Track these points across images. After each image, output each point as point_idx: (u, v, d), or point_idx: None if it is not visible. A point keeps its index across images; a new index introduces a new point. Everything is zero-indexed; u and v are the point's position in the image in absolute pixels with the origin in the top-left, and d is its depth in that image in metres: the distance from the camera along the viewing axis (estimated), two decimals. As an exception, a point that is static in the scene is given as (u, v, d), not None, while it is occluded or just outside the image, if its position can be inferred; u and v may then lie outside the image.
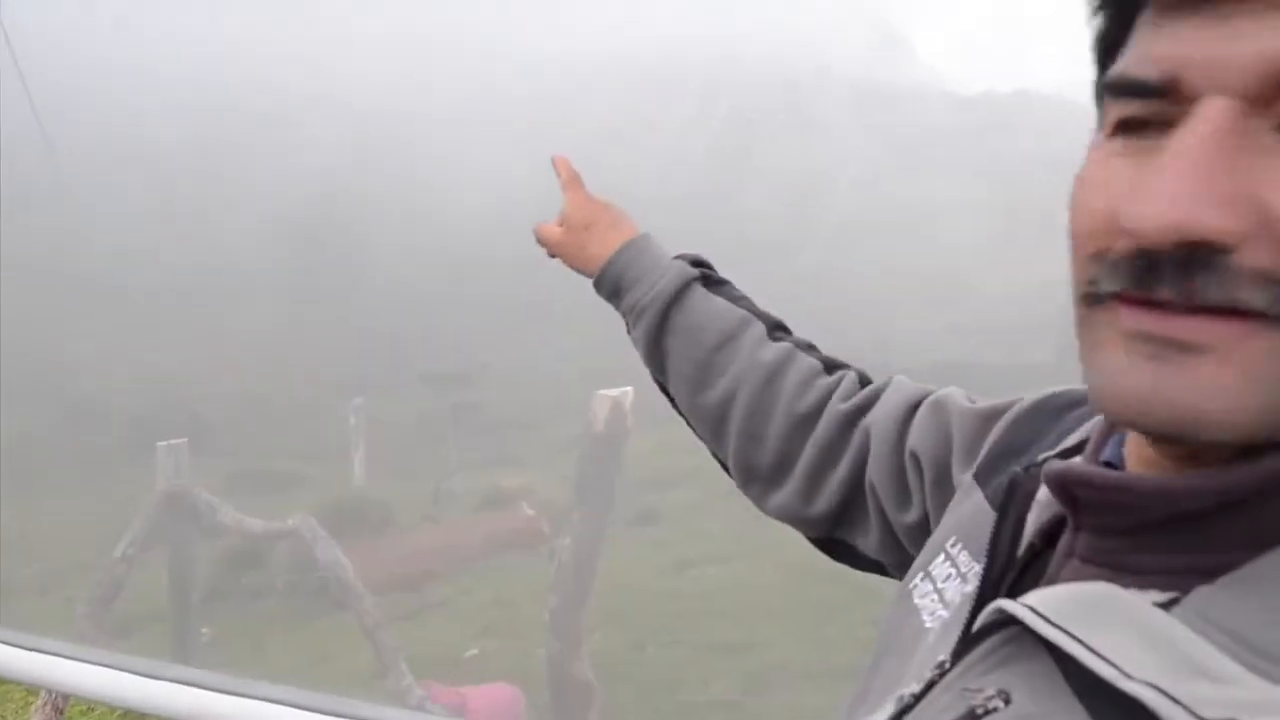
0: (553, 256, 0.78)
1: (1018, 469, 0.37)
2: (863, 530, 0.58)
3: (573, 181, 0.79)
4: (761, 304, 0.71)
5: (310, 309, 4.16)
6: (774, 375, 0.66)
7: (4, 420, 2.92)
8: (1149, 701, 0.27)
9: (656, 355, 0.72)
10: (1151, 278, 0.28)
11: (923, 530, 0.55)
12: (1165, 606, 0.30)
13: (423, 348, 4.39)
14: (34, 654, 1.67)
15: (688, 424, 0.74)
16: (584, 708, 2.11)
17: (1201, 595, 0.30)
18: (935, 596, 0.44)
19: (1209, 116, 0.29)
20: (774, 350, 0.67)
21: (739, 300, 0.71)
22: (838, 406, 0.63)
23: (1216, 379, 0.29)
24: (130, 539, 2.39)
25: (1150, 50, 0.30)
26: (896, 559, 0.59)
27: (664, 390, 0.73)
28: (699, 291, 0.71)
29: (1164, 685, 0.28)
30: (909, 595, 0.45)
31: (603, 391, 2.03)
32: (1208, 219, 0.28)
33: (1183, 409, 0.29)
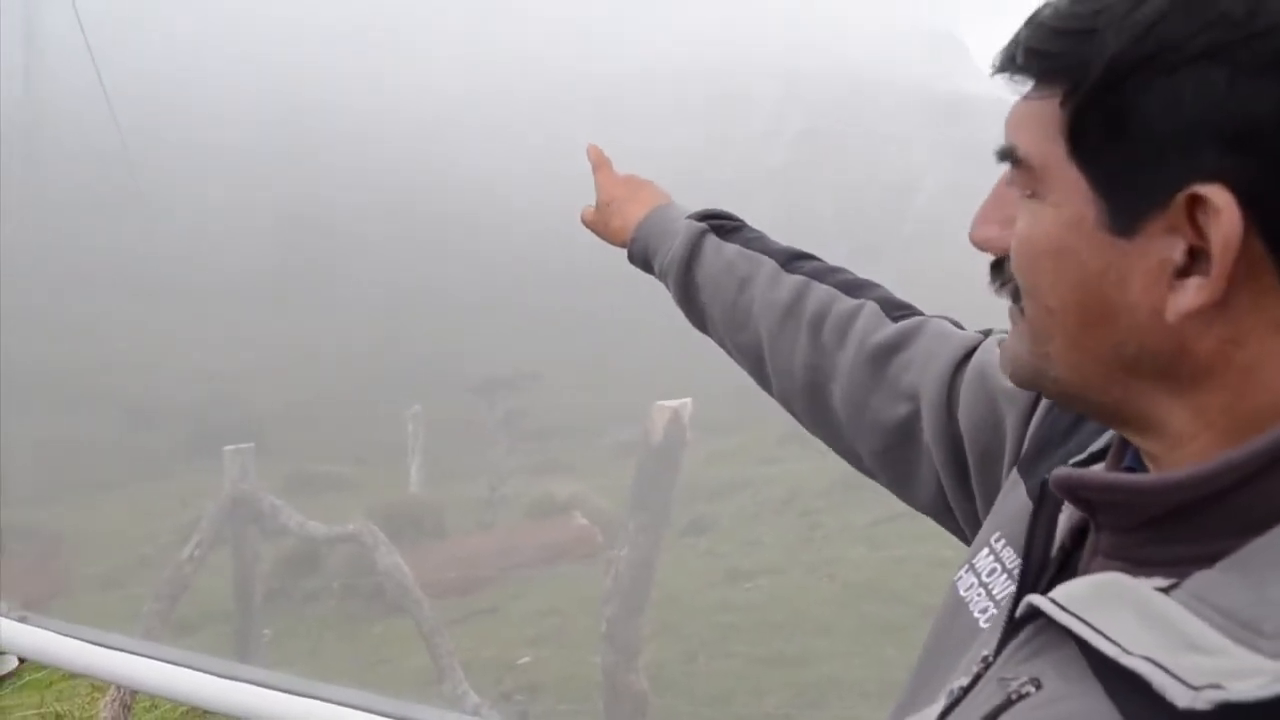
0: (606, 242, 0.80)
1: (1047, 476, 0.40)
2: (912, 483, 0.59)
3: (601, 163, 0.82)
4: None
5: (366, 316, 4.22)
6: (789, 311, 0.67)
7: (67, 423, 3.00)
8: (1145, 673, 0.31)
9: (694, 311, 0.75)
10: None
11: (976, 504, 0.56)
12: (1166, 591, 0.34)
13: (476, 356, 4.42)
14: (105, 650, 1.71)
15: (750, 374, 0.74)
16: (638, 718, 2.11)
17: (1198, 579, 0.34)
18: (982, 591, 0.46)
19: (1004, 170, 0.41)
20: (788, 286, 0.68)
21: (751, 242, 0.72)
22: (863, 343, 0.63)
23: (1011, 345, 0.41)
24: (197, 540, 2.44)
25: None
26: (954, 511, 0.59)
27: (722, 346, 0.74)
28: (711, 243, 0.72)
29: (1159, 658, 0.31)
30: (954, 587, 0.47)
31: (662, 402, 2.03)
32: (978, 231, 0.42)
33: (1000, 362, 0.43)
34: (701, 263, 0.69)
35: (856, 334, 0.62)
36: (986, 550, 0.45)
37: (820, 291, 0.65)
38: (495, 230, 3.25)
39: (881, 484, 0.63)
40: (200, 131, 2.68)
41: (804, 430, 0.68)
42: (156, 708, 4.86)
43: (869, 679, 2.54)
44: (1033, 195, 0.38)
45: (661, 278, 0.73)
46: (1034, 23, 0.37)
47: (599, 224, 0.77)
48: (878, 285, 0.66)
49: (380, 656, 3.07)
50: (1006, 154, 0.39)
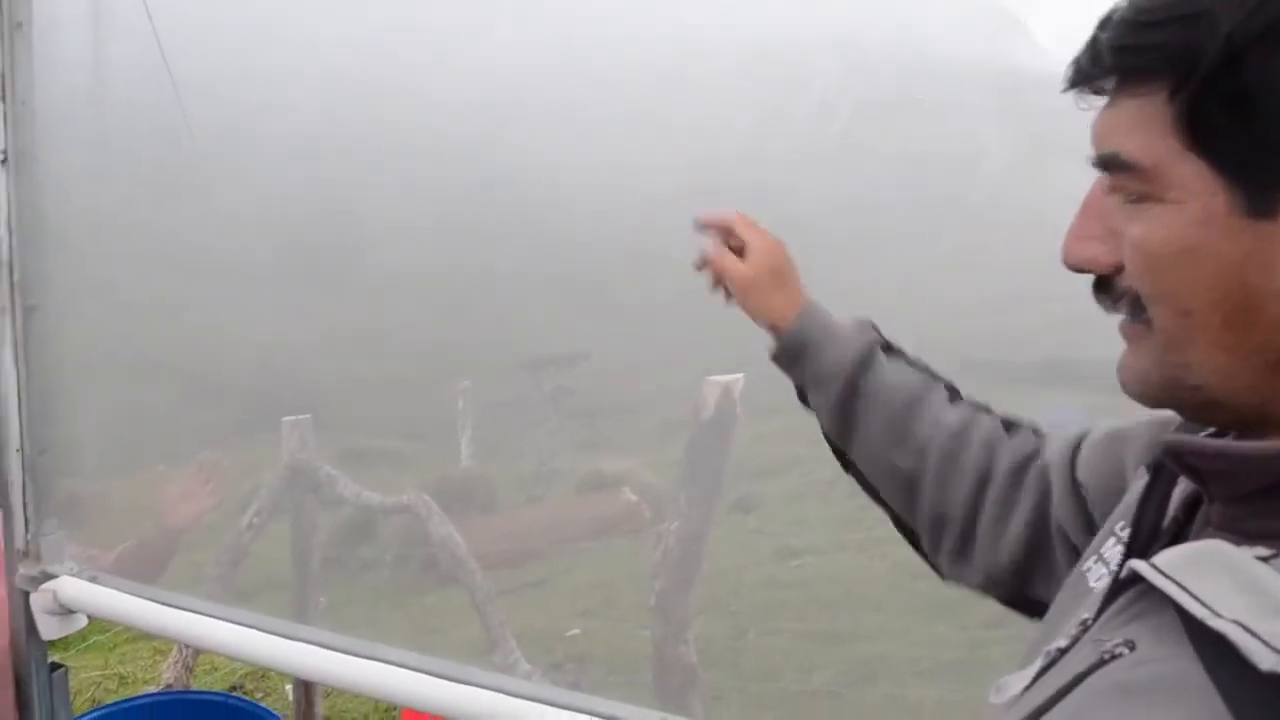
0: (717, 287, 0.76)
1: (1163, 445, 0.40)
2: (1054, 579, 0.58)
3: (748, 222, 0.78)
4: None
5: (419, 294, 4.27)
6: (959, 436, 0.67)
7: (129, 396, 3.08)
8: (1232, 636, 0.31)
9: (843, 420, 0.73)
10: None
11: None
12: (1266, 560, 0.34)
13: (526, 333, 4.44)
14: (173, 610, 1.77)
15: (871, 495, 0.73)
16: (686, 691, 2.12)
17: None
18: (1102, 565, 0.45)
19: (1092, 183, 0.39)
20: (957, 412, 0.68)
21: (916, 363, 0.72)
22: (1012, 458, 0.64)
23: (1136, 364, 0.39)
24: (257, 508, 2.50)
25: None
26: None
27: (841, 458, 0.73)
28: (882, 357, 0.72)
29: (1248, 623, 0.32)
30: (1083, 577, 0.46)
31: (713, 377, 2.03)
32: (1077, 252, 0.39)
33: (1121, 381, 0.40)
34: (872, 373, 0.69)
35: (1007, 455, 0.63)
36: (1113, 539, 0.46)
37: (985, 423, 0.66)
38: (547, 209, 3.27)
39: (1029, 612, 0.63)
40: (261, 114, 2.71)
41: None
42: (216, 669, 4.98)
43: (921, 657, 2.53)
44: (1145, 199, 0.36)
45: (815, 381, 0.71)
46: (1114, 23, 0.35)
47: (756, 289, 0.73)
48: (1025, 421, 0.66)
49: (431, 626, 3.12)
50: (1108, 162, 0.37)
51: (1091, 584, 0.45)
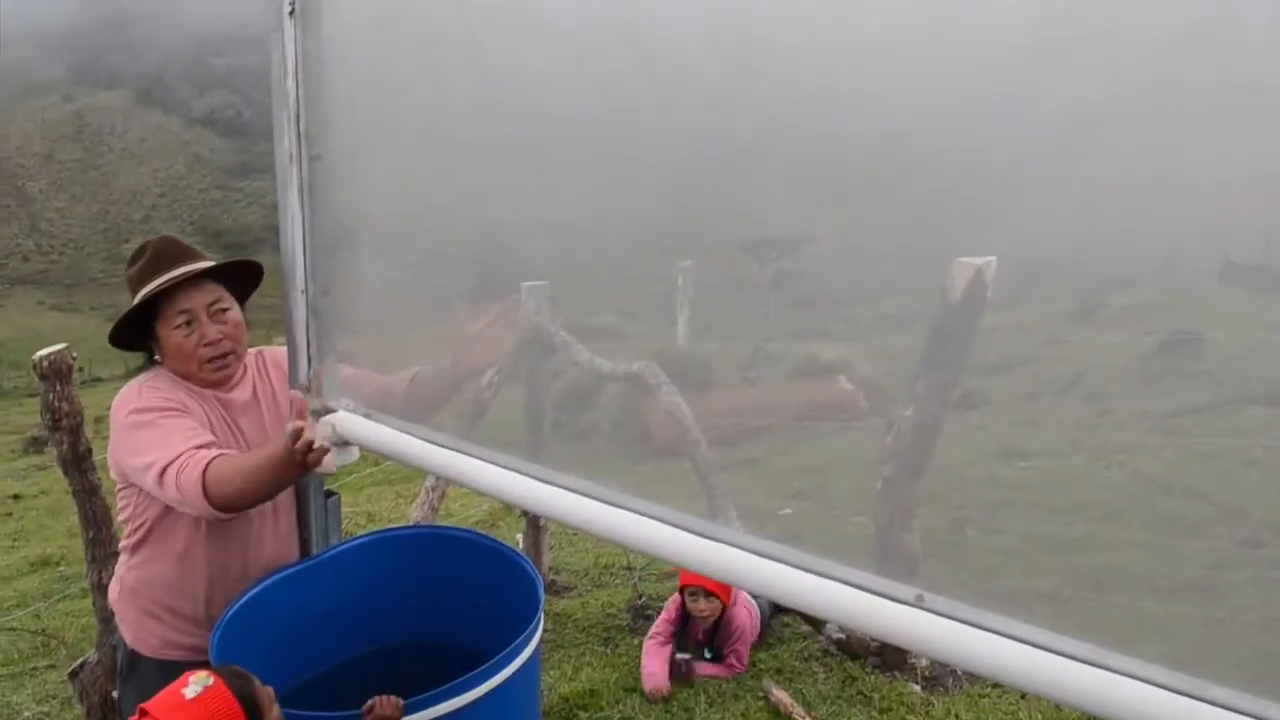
0: None
1: None
2: None
3: None
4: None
5: (640, 171, 4.29)
6: None
7: (373, 268, 3.30)
8: None
9: None
10: None
11: None
12: None
13: (749, 215, 4.40)
14: (437, 447, 1.92)
15: None
16: (908, 578, 2.11)
17: None
18: None
19: None
20: None
21: None
22: None
23: None
24: (497, 367, 2.64)
25: None
26: None
27: None
28: None
29: None
30: None
31: (965, 259, 1.94)
32: None
33: None
34: None
35: None
36: None
37: None
38: (778, 89, 3.15)
39: None
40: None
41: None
42: (452, 515, 5.42)
43: (1158, 574, 2.38)
44: None
45: None
46: None
47: None
48: None
49: (649, 495, 3.25)
50: None
51: None
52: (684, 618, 4.60)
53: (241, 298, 2.83)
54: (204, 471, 2.21)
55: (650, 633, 4.69)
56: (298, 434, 2.25)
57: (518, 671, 2.45)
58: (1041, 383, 3.89)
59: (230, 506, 2.26)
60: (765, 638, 4.95)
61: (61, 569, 8.40)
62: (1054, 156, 2.21)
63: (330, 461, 2.24)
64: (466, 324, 2.38)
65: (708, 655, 4.56)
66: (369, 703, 2.28)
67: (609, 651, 5.04)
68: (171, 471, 2.22)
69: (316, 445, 2.21)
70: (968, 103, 2.14)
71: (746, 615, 4.61)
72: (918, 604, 1.41)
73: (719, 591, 4.42)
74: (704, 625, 4.52)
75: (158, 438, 2.30)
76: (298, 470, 2.32)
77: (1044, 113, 2.10)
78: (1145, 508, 2.72)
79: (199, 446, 2.40)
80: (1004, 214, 2.24)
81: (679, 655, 4.73)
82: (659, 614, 5.38)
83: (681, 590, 4.62)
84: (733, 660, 4.58)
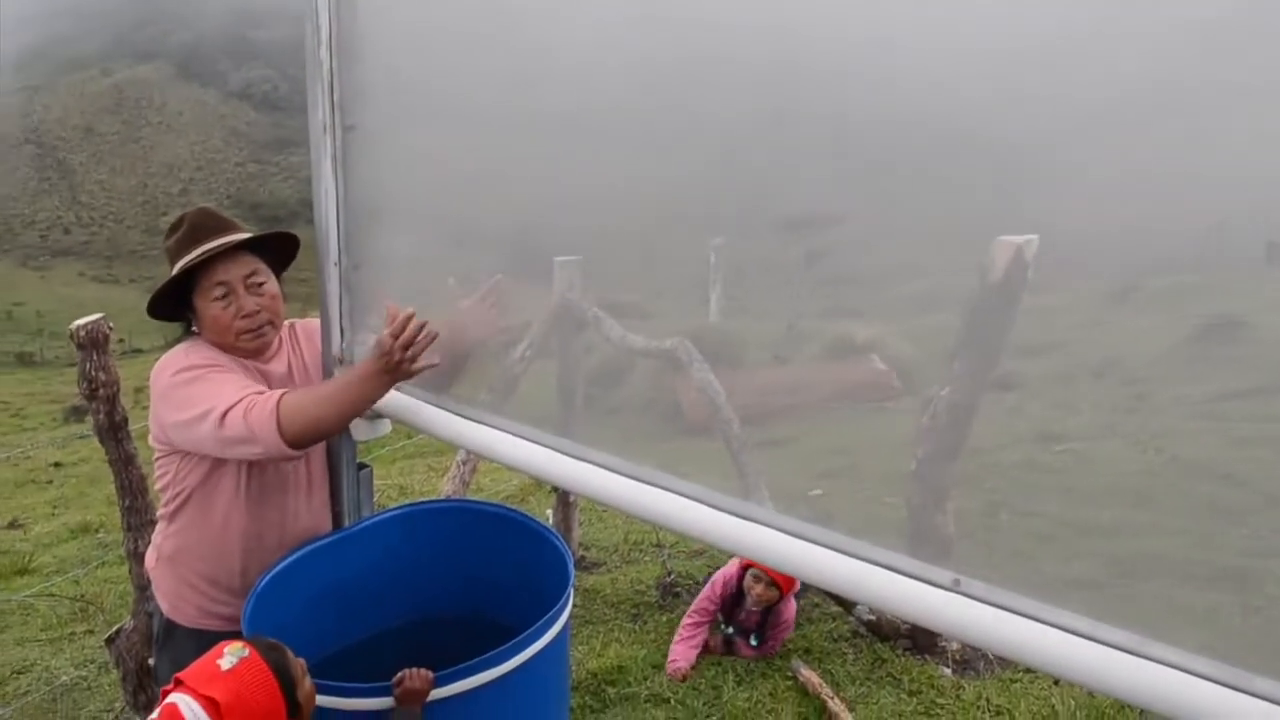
0: None
1: None
2: None
3: None
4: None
5: (673, 148, 4.26)
6: None
7: (405, 242, 3.30)
8: None
9: None
10: None
11: None
12: None
13: (781, 194, 4.35)
14: (472, 423, 1.92)
15: None
16: (941, 559, 2.09)
17: None
18: None
19: None
20: None
21: None
22: None
23: None
24: (529, 341, 2.64)
25: None
26: None
27: None
28: None
29: None
30: None
31: (1005, 237, 1.90)
32: None
33: None
34: None
35: None
36: None
37: None
38: (814, 67, 3.10)
39: None
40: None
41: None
42: (482, 490, 5.45)
43: (1195, 561, 2.34)
44: None
45: None
46: None
47: None
48: None
49: (680, 472, 3.24)
50: None
51: None
52: (734, 598, 4.59)
53: (278, 270, 2.85)
54: (277, 404, 2.21)
55: (691, 609, 4.67)
56: (393, 338, 2.25)
57: (547, 646, 2.46)
58: (1078, 365, 3.83)
59: (302, 439, 2.25)
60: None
61: (100, 536, 8.58)
62: (1093, 137, 2.15)
63: (424, 363, 2.25)
64: (456, 299, 2.38)
65: (754, 642, 4.56)
66: (399, 675, 2.31)
67: (637, 628, 5.07)
68: (237, 411, 2.22)
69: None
70: (1007, 82, 2.09)
71: (793, 612, 4.63)
72: (955, 589, 1.39)
73: (782, 582, 4.42)
74: (757, 611, 4.52)
75: (210, 390, 2.31)
76: (385, 383, 2.30)
77: (1084, 92, 2.05)
78: (1183, 494, 2.67)
79: (257, 393, 2.42)
80: (1041, 194, 2.20)
81: (727, 629, 4.73)
82: (688, 591, 5.38)
83: (744, 570, 4.61)
84: (771, 651, 4.60)
